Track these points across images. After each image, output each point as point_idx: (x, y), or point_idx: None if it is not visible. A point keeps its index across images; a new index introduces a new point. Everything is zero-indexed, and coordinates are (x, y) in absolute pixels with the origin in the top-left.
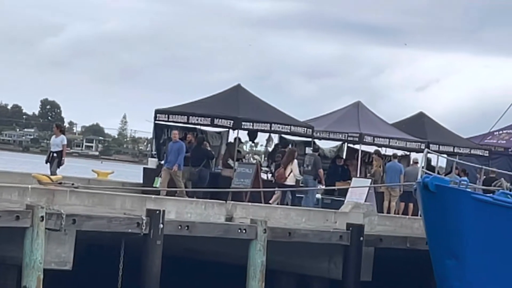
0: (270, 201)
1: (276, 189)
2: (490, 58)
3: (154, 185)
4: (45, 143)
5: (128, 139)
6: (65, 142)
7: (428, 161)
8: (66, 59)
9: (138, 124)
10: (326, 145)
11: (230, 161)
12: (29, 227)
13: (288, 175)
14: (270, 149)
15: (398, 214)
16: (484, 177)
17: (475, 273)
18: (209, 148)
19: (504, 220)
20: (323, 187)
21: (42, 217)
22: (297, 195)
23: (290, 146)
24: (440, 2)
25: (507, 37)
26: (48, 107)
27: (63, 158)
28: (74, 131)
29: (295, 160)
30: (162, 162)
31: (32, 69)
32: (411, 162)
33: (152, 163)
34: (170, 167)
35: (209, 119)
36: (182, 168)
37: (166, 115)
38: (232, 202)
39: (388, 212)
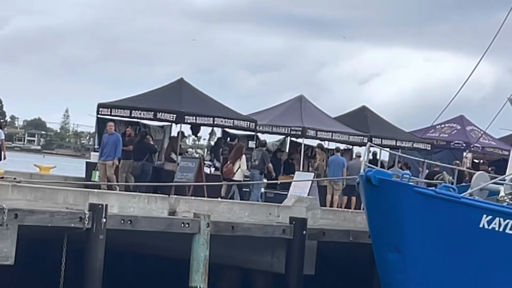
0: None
1: (219, 183)
2: (432, 52)
3: (92, 179)
4: None
5: (70, 133)
6: (3, 137)
7: (374, 154)
8: (7, 52)
9: (80, 118)
10: (269, 139)
11: (173, 155)
12: None
13: (236, 171)
14: (212, 143)
15: (341, 207)
16: (427, 170)
17: (417, 266)
18: (152, 142)
19: (446, 213)
20: (273, 181)
21: None
22: (243, 189)
23: (237, 140)
24: None
25: (448, 31)
26: None
27: (3, 153)
28: (16, 125)
29: (244, 156)
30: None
31: None
32: (354, 156)
33: (94, 157)
34: (106, 160)
35: (152, 113)
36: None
37: (109, 109)
38: (175, 196)
39: (331, 206)
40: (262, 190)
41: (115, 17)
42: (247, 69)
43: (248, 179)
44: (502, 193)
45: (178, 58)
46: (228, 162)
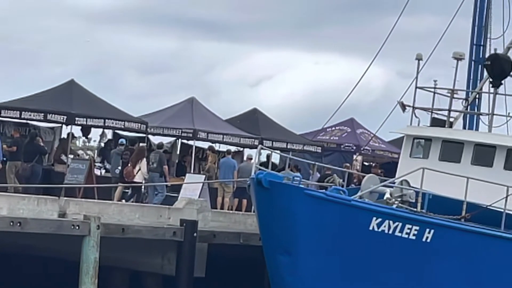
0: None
1: (109, 185)
2: (322, 55)
3: None
4: None
5: None
6: None
7: (267, 157)
8: None
9: None
10: (160, 141)
11: (63, 157)
12: None
13: (137, 173)
14: (103, 145)
15: (231, 210)
16: (318, 173)
17: (308, 269)
18: (41, 144)
19: (336, 216)
20: (163, 183)
21: None
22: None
23: (138, 144)
24: None
25: (338, 34)
26: None
27: None
28: None
29: (144, 158)
30: None
31: None
32: (245, 158)
33: None
34: None
35: (42, 114)
36: None
37: None
38: (65, 198)
39: (222, 208)
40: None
41: (2, 16)
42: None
43: (145, 181)
44: (387, 195)
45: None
46: (129, 165)
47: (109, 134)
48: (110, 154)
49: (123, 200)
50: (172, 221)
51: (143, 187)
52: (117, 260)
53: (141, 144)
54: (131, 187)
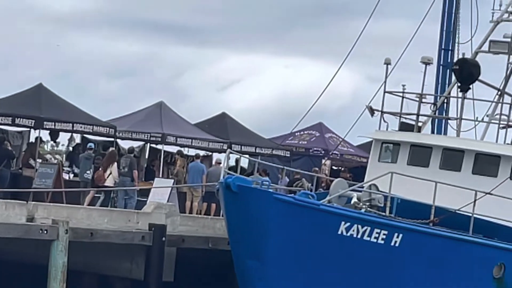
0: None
1: (77, 189)
2: (292, 59)
3: None
4: None
5: None
6: None
7: (236, 161)
8: None
9: None
10: (129, 145)
11: (31, 161)
12: None
13: (107, 177)
14: (71, 149)
15: (200, 214)
16: (286, 177)
17: (277, 273)
18: (10, 148)
19: (305, 220)
20: (132, 187)
21: None
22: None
23: (111, 148)
24: (242, 3)
25: (308, 38)
26: None
27: None
28: None
29: (115, 163)
30: None
31: None
32: (214, 162)
33: None
34: None
35: (10, 118)
36: None
37: None
38: (34, 202)
39: (191, 212)
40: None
41: None
42: (106, 74)
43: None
44: (354, 199)
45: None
46: (100, 169)
47: (77, 138)
48: (78, 158)
49: (97, 205)
50: (141, 226)
51: (113, 191)
52: (86, 265)
53: (111, 149)
54: (103, 191)
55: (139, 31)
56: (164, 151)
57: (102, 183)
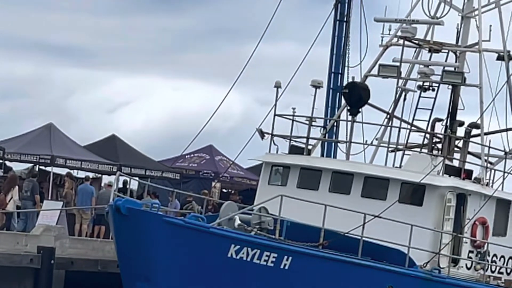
0: None
1: None
2: (182, 81)
3: None
4: None
5: None
6: None
7: (125, 183)
8: None
9: None
10: (17, 167)
11: None
12: None
13: (9, 201)
14: None
15: (89, 237)
16: (177, 200)
17: None
18: None
19: (195, 243)
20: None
21: None
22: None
23: (10, 172)
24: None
25: (199, 61)
26: None
27: None
28: None
29: (17, 186)
30: None
31: None
32: (103, 185)
33: None
34: None
35: None
36: None
37: None
38: None
39: (80, 235)
40: None
41: None
42: None
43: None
44: (237, 222)
45: None
46: (1, 193)
47: None
48: None
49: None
50: (30, 248)
51: (15, 215)
52: None
53: (11, 173)
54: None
55: (29, 52)
56: (53, 173)
57: (4, 208)
